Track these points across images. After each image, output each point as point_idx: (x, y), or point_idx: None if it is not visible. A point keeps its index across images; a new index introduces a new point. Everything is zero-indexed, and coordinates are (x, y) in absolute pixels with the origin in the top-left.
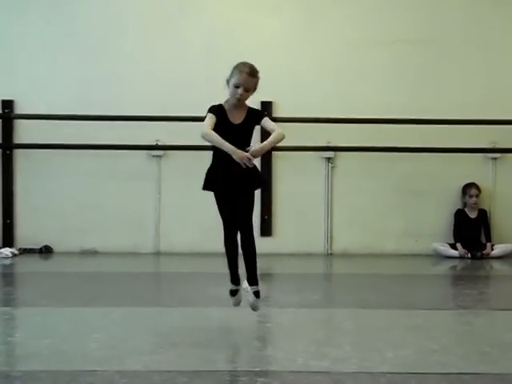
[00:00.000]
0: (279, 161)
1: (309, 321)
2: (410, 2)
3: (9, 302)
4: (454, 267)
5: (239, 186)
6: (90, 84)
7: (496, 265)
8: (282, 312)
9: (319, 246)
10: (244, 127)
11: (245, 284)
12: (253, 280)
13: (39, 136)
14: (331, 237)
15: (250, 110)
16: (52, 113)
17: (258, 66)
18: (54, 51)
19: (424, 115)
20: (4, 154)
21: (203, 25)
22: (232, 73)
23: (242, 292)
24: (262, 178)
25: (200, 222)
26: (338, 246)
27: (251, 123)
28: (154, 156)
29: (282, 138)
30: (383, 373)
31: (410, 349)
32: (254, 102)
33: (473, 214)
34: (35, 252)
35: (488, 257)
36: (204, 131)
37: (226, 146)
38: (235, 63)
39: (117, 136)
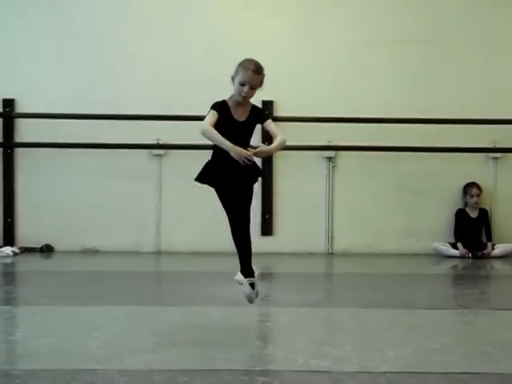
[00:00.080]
0: (280, 160)
1: (309, 320)
2: (410, 1)
3: (9, 300)
4: (454, 267)
5: (239, 183)
6: (91, 83)
7: (497, 264)
8: (282, 311)
9: (320, 245)
10: (247, 125)
11: (239, 276)
12: (248, 271)
13: (40, 135)
14: (332, 236)
15: (254, 108)
16: (53, 112)
17: None
18: (55, 50)
19: (425, 115)
20: (5, 152)
21: (204, 24)
22: (237, 70)
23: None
24: (261, 171)
25: (201, 221)
26: (339, 245)
27: (254, 122)
28: (154, 155)
29: (284, 145)
30: (384, 372)
31: (410, 348)
32: (255, 101)
33: (474, 214)
34: (36, 251)
35: (489, 256)
36: (204, 128)
37: (225, 144)
38: (239, 61)
39: (117, 135)
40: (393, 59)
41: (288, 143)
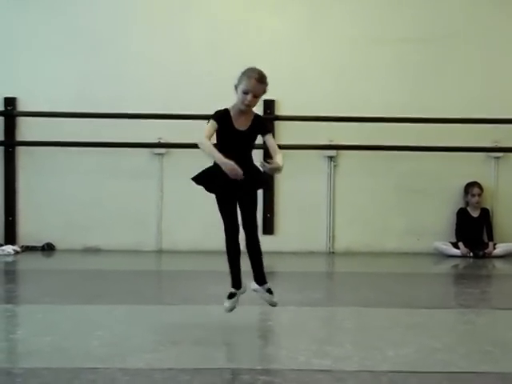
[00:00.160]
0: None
1: (310, 319)
2: (410, 1)
3: (11, 299)
4: (455, 266)
5: (240, 189)
6: (93, 82)
7: (498, 264)
8: (283, 310)
9: (321, 244)
10: (248, 134)
11: (253, 285)
12: (262, 279)
13: (42, 133)
14: (333, 235)
15: (257, 118)
16: (54, 110)
17: (260, 65)
18: (57, 49)
19: (426, 114)
20: (6, 151)
21: (206, 23)
22: (240, 79)
23: (238, 298)
24: (264, 179)
25: (202, 220)
26: (340, 244)
27: (256, 131)
28: (156, 154)
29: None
30: (384, 371)
31: (411, 347)
32: None
33: (475, 213)
34: (37, 249)
35: (490, 256)
36: (200, 140)
37: (217, 157)
38: (242, 70)
39: (119, 134)
40: (394, 58)
41: (289, 142)
